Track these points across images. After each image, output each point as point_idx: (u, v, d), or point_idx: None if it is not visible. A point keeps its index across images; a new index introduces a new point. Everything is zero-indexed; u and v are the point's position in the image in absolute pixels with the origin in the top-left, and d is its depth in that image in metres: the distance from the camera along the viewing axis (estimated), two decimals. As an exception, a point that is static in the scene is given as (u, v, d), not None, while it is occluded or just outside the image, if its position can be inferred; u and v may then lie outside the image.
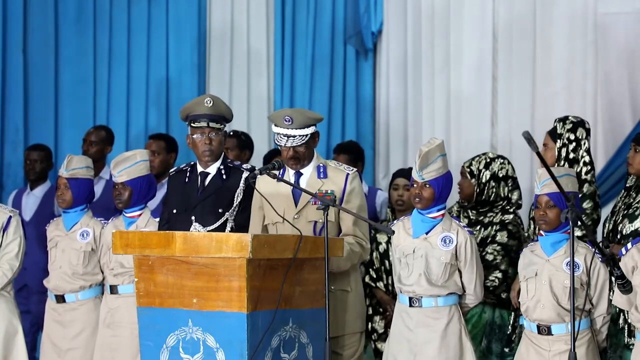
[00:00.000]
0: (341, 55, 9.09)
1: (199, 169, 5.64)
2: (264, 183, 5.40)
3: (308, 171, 5.46)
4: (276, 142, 5.44)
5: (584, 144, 6.10)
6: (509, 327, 6.13)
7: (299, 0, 9.10)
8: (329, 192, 5.39)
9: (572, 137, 6.09)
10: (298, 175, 5.46)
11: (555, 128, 6.15)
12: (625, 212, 5.76)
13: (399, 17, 8.95)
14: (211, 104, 5.54)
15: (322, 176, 5.43)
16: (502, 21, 8.42)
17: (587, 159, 6.08)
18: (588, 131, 6.16)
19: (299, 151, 5.39)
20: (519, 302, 5.48)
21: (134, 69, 8.85)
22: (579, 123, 6.14)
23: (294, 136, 5.35)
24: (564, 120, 6.16)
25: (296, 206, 5.40)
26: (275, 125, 5.37)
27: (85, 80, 8.72)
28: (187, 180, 5.65)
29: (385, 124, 9.06)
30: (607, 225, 5.91)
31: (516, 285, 5.80)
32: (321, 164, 5.47)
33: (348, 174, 5.43)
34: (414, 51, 8.83)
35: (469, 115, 8.51)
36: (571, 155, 6.06)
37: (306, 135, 5.36)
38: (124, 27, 8.82)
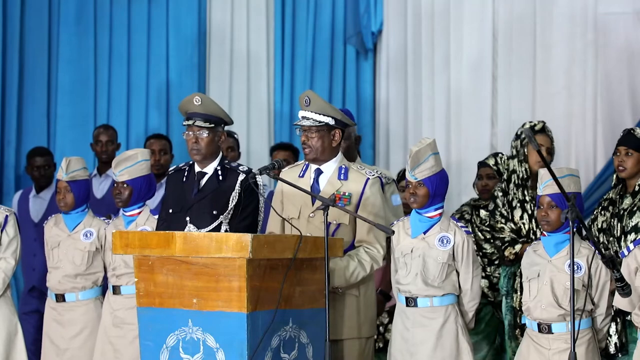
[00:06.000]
0: (341, 55, 9.09)
1: (197, 168, 5.53)
2: (286, 178, 5.32)
3: (329, 170, 5.43)
4: (297, 131, 5.42)
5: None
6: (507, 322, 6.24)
7: (299, 0, 9.10)
8: (346, 194, 5.37)
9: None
10: (318, 173, 5.44)
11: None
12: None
13: (399, 17, 8.95)
14: (199, 102, 5.42)
15: (342, 177, 5.41)
16: (502, 21, 8.41)
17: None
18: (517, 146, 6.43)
19: (311, 138, 5.35)
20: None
21: (134, 69, 8.84)
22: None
23: (309, 119, 5.34)
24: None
25: (313, 204, 5.38)
26: (300, 110, 5.39)
27: (85, 80, 8.72)
28: (184, 179, 5.54)
29: (385, 124, 9.06)
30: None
31: None
32: (343, 166, 5.44)
33: (368, 178, 5.41)
34: (414, 51, 8.83)
35: (469, 115, 8.51)
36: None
37: (320, 122, 5.34)
38: (124, 27, 8.82)
